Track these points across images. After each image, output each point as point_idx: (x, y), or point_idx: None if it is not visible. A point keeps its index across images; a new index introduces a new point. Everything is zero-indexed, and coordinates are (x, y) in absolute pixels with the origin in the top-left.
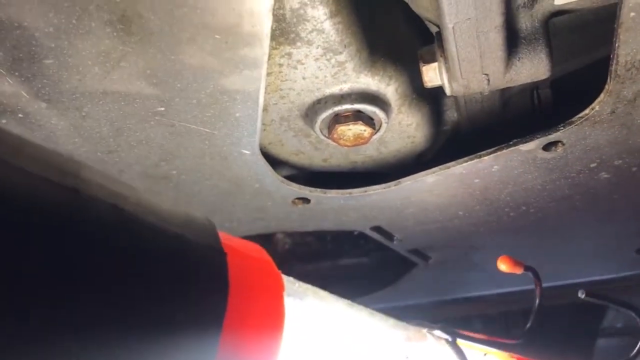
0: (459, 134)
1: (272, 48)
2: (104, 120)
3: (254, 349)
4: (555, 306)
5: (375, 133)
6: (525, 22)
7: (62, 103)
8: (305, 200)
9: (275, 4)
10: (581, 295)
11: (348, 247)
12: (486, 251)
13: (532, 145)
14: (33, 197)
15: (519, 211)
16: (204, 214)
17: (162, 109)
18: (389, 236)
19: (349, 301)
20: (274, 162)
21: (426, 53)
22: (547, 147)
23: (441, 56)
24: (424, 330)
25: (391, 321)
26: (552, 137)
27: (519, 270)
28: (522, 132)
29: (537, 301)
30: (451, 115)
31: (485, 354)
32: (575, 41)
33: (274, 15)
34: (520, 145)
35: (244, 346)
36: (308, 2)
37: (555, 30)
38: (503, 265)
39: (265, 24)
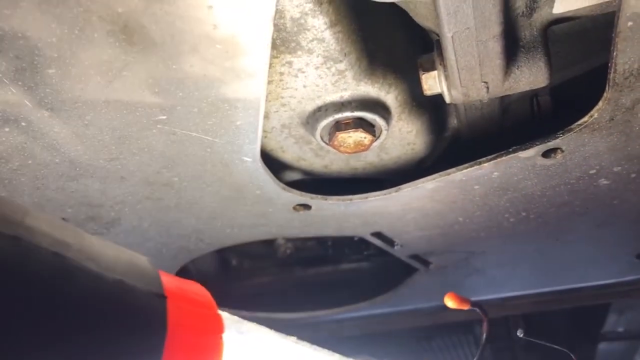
0: (458, 140)
1: (272, 57)
2: (106, 128)
3: None
4: (557, 311)
5: (376, 140)
6: (524, 30)
7: (64, 112)
8: (306, 207)
9: (276, 14)
10: (520, 334)
11: (349, 252)
12: (486, 257)
13: (531, 152)
14: None
15: (519, 217)
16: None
17: (164, 117)
18: (389, 242)
19: (295, 338)
20: (275, 169)
21: (426, 61)
22: (546, 154)
23: (440, 64)
24: None
25: (336, 357)
26: (552, 144)
27: (465, 307)
28: (521, 139)
29: (484, 336)
30: (451, 122)
31: None
32: (574, 49)
33: (274, 24)
34: (520, 152)
35: None
36: (308, 12)
37: (554, 39)
38: (450, 302)
39: (266, 34)
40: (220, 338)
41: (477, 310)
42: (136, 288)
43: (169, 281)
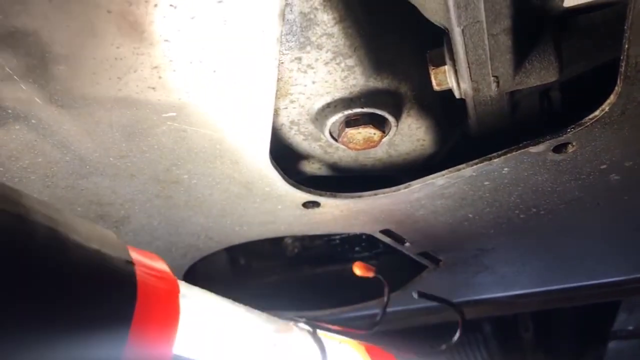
0: (468, 136)
1: (282, 53)
2: (116, 125)
3: (156, 339)
4: (567, 309)
5: (385, 136)
6: (535, 24)
7: (74, 109)
8: (315, 204)
9: (285, 9)
10: (415, 295)
11: (357, 250)
12: (496, 254)
13: (542, 147)
14: None
15: (529, 213)
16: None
17: (174, 114)
18: (398, 239)
19: (232, 300)
20: (284, 166)
21: (435, 56)
22: (557, 149)
23: (450, 59)
24: (291, 323)
25: (264, 316)
26: (562, 138)
27: (370, 274)
28: (531, 134)
29: (386, 299)
30: (461, 117)
31: (340, 342)
32: (585, 43)
33: (284, 20)
34: (530, 147)
35: (148, 336)
36: (318, 7)
37: (564, 32)
38: (357, 270)
39: (275, 29)
40: (177, 297)
41: (380, 277)
42: (111, 256)
43: (135, 252)
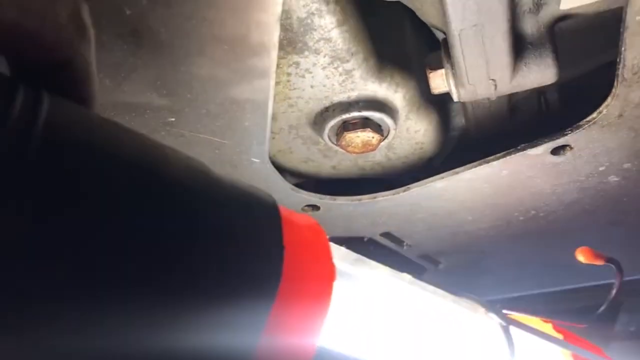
0: (467, 139)
1: (280, 57)
2: None
3: (300, 325)
4: (566, 310)
5: (384, 140)
6: (531, 27)
7: None
8: (315, 207)
9: (282, 14)
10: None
11: (358, 253)
12: (496, 256)
13: (540, 150)
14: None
15: (528, 215)
16: None
17: (173, 119)
18: (398, 242)
19: (409, 277)
20: (283, 169)
21: (433, 60)
22: (555, 151)
23: (448, 62)
24: (482, 310)
25: (450, 297)
26: (561, 141)
27: (600, 262)
28: (530, 137)
29: (615, 291)
30: (459, 120)
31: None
32: (582, 45)
33: (281, 25)
34: (529, 149)
35: (291, 321)
36: (315, 12)
37: (562, 35)
38: (582, 257)
39: (273, 34)
40: (331, 286)
41: (613, 266)
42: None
43: (288, 225)
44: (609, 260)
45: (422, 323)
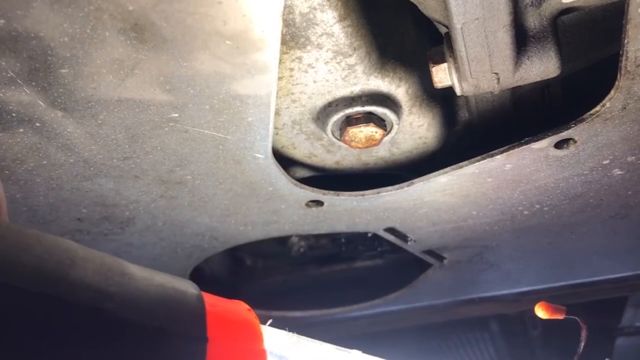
0: (470, 133)
1: (282, 52)
2: (119, 127)
3: None
4: (572, 305)
5: (387, 134)
6: (534, 20)
7: (78, 111)
8: (319, 203)
9: (285, 9)
10: None
11: (362, 249)
12: (501, 251)
13: (544, 143)
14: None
15: (532, 209)
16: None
17: (176, 115)
18: (403, 237)
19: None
20: (287, 165)
21: (435, 54)
22: (559, 145)
23: (450, 56)
24: None
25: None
26: (564, 134)
27: (560, 316)
28: (533, 130)
29: (582, 344)
30: (462, 115)
31: None
32: (584, 38)
33: (284, 20)
34: (532, 143)
35: None
36: (317, 6)
37: (564, 28)
38: (541, 312)
39: (275, 29)
40: None
41: (577, 319)
42: (176, 334)
43: (213, 314)
44: (569, 313)
45: None
